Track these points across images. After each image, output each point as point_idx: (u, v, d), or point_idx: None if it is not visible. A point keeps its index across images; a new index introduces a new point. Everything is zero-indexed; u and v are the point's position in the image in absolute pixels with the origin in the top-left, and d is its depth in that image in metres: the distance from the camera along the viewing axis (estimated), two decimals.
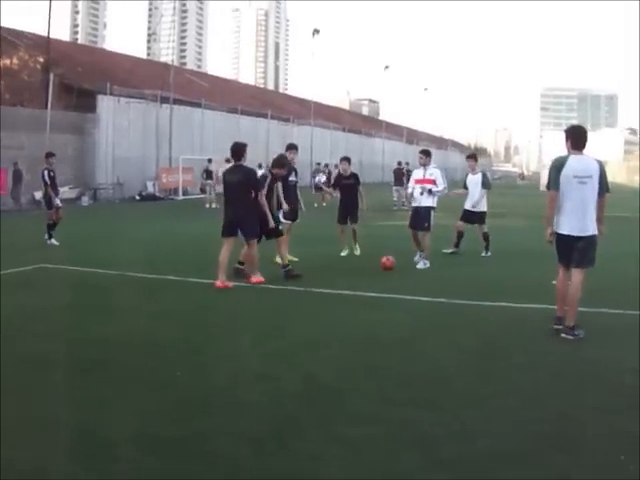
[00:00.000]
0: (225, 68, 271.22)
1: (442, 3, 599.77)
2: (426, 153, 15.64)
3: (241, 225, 12.52)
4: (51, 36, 43.08)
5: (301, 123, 66.09)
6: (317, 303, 11.12)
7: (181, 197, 43.26)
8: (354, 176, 16.69)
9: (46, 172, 18.32)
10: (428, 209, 14.87)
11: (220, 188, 36.21)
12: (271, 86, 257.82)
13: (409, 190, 15.62)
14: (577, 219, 8.73)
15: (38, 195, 28.77)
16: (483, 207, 16.72)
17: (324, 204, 33.17)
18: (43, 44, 41.01)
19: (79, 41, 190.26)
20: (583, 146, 8.98)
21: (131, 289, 12.13)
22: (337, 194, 17.42)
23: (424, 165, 15.19)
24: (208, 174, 36.19)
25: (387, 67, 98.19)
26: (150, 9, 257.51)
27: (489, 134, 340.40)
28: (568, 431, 5.78)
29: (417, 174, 15.37)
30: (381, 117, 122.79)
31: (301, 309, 10.62)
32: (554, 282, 9.89)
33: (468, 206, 16.76)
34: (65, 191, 35.41)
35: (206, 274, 12.97)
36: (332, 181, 14.20)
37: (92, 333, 8.80)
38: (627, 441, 5.48)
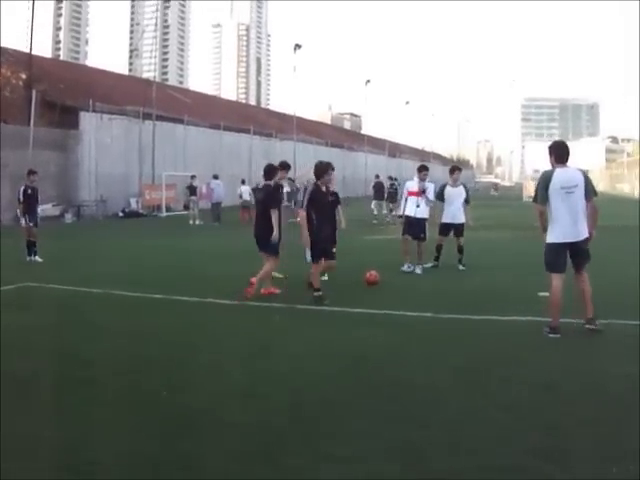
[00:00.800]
0: (207, 84, 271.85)
1: (422, 17, 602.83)
2: (427, 169, 16.81)
3: (261, 241, 13.05)
4: (33, 52, 43.13)
5: (284, 138, 66.15)
6: (302, 320, 11.03)
7: (164, 214, 43.16)
8: (335, 194, 15.59)
9: (22, 189, 18.23)
10: (423, 220, 16.07)
11: (202, 204, 36.41)
12: (253, 101, 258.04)
13: (402, 202, 16.49)
14: (570, 226, 9.34)
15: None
16: (462, 219, 16.77)
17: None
18: (25, 60, 41.04)
19: (61, 57, 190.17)
20: (567, 159, 9.66)
21: (115, 307, 12.04)
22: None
23: (423, 180, 16.24)
24: (192, 190, 36.09)
25: (368, 81, 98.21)
26: (132, 25, 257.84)
27: (471, 146, 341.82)
28: (558, 444, 5.75)
29: (412, 187, 16.30)
30: (363, 131, 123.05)
31: (287, 326, 10.54)
32: (541, 294, 9.88)
33: (450, 220, 16.75)
34: (48, 208, 35.33)
35: (190, 292, 12.96)
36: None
37: (76, 352, 8.73)
38: (618, 453, 5.47)
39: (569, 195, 9.33)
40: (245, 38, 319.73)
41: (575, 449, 5.62)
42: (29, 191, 18.29)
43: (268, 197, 12.98)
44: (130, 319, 10.98)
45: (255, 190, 14.23)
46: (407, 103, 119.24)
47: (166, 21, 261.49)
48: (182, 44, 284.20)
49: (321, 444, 5.73)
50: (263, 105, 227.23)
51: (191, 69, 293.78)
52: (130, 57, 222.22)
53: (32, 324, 10.45)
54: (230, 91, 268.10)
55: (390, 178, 41.34)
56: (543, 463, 5.31)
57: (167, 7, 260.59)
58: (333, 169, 13.22)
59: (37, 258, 17.85)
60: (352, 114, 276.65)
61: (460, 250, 16.68)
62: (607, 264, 14.75)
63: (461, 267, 16.49)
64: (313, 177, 12.90)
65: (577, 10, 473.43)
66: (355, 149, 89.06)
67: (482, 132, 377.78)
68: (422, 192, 16.01)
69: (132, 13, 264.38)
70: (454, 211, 16.75)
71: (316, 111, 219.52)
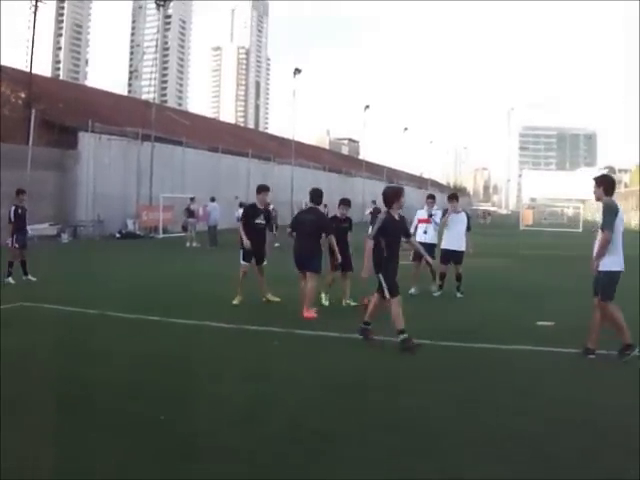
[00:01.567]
0: (206, 106, 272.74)
1: (422, 43, 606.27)
2: (434, 197, 17.99)
3: (306, 260, 13.62)
4: (33, 72, 43.21)
5: (282, 162, 66.22)
6: (301, 345, 10.97)
7: (161, 235, 43.07)
8: (348, 220, 15.44)
9: (13, 209, 18.12)
10: (432, 246, 16.64)
11: (200, 226, 36.34)
12: (251, 125, 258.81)
13: (412, 229, 16.39)
14: (621, 256, 9.75)
15: None
16: (462, 247, 16.75)
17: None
18: (25, 80, 41.08)
19: (61, 77, 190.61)
20: (614, 192, 10.02)
21: (112, 329, 11.95)
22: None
23: (430, 207, 17.33)
24: (190, 212, 36.04)
25: (367, 107, 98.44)
26: (132, 46, 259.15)
27: (468, 173, 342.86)
28: (559, 475, 5.70)
29: (421, 215, 17.36)
30: (361, 156, 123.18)
31: (285, 351, 10.48)
32: (539, 323, 9.80)
33: (450, 246, 16.72)
34: (45, 228, 35.28)
35: (188, 314, 12.90)
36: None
37: (73, 374, 8.64)
38: None
39: (621, 225, 9.74)
40: (245, 61, 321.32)
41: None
42: (19, 211, 18.14)
43: (324, 221, 14.14)
44: (126, 341, 10.89)
45: (302, 212, 15.23)
46: (405, 129, 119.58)
47: (166, 43, 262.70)
48: (182, 66, 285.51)
49: (320, 471, 5.67)
50: (262, 129, 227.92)
51: (190, 91, 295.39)
52: (130, 78, 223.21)
53: (28, 345, 10.37)
54: (229, 114, 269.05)
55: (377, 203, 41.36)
56: None
57: (167, 29, 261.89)
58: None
59: (29, 277, 17.77)
60: (350, 139, 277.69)
61: (458, 278, 16.64)
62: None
63: (459, 294, 16.45)
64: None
65: (577, 40, 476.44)
66: (353, 174, 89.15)
67: (479, 160, 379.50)
68: (429, 217, 17.01)
69: (132, 35, 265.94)
70: (453, 238, 16.72)
71: (314, 136, 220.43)
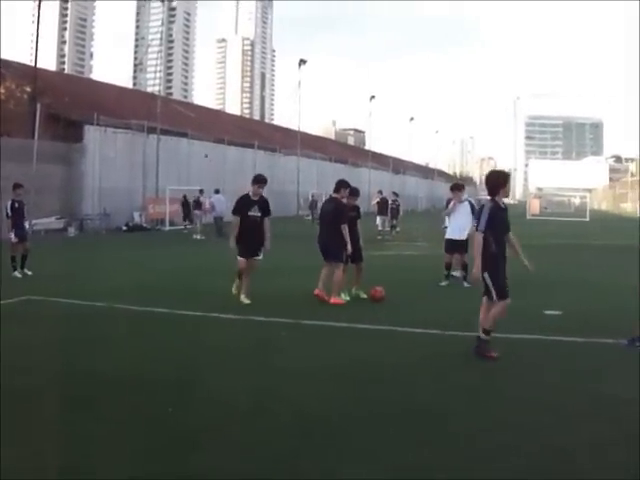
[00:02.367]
0: (211, 98, 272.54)
1: (427, 33, 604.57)
2: (460, 188, 17.97)
3: (327, 249, 13.89)
4: (38, 66, 43.17)
5: (287, 153, 66.15)
6: (308, 336, 10.94)
7: (168, 228, 43.08)
8: (357, 208, 15.28)
9: (9, 203, 18.12)
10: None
11: (206, 219, 36.39)
12: (257, 116, 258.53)
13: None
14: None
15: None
16: (465, 236, 16.61)
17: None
18: (30, 74, 41.06)
19: (66, 71, 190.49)
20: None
21: (119, 322, 11.94)
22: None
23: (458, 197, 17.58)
24: (197, 204, 36.02)
25: (373, 97, 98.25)
26: (136, 39, 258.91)
27: (474, 163, 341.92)
28: (566, 466, 5.67)
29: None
30: (367, 147, 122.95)
31: (292, 342, 10.45)
32: (547, 312, 9.76)
33: (453, 235, 16.67)
34: (51, 221, 35.33)
35: (195, 306, 12.89)
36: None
37: (80, 368, 8.63)
38: (624, 475, 5.38)
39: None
40: (250, 53, 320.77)
41: (584, 472, 5.54)
42: (16, 205, 18.16)
43: (338, 211, 13.93)
44: (133, 334, 10.88)
45: (324, 202, 15.39)
46: (411, 119, 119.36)
47: (171, 35, 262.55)
48: (187, 59, 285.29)
49: (328, 464, 5.65)
50: (267, 120, 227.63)
51: (195, 84, 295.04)
52: (135, 71, 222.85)
53: (34, 338, 10.37)
54: (234, 106, 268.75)
55: (394, 194, 41.30)
56: None
57: (172, 22, 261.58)
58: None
59: (26, 271, 17.78)
60: (356, 130, 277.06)
61: (464, 267, 16.57)
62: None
63: (466, 284, 16.37)
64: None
65: (583, 29, 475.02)
66: (359, 165, 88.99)
67: (486, 149, 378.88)
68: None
69: (137, 27, 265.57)
70: (456, 227, 16.64)
71: (320, 126, 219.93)
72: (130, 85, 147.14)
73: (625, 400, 7.31)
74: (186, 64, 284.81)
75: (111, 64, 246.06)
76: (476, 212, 9.80)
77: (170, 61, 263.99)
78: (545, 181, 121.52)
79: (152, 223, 43.53)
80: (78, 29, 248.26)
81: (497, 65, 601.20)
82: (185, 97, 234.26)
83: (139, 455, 5.82)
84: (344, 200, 14.32)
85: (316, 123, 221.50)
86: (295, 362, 9.13)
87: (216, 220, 35.60)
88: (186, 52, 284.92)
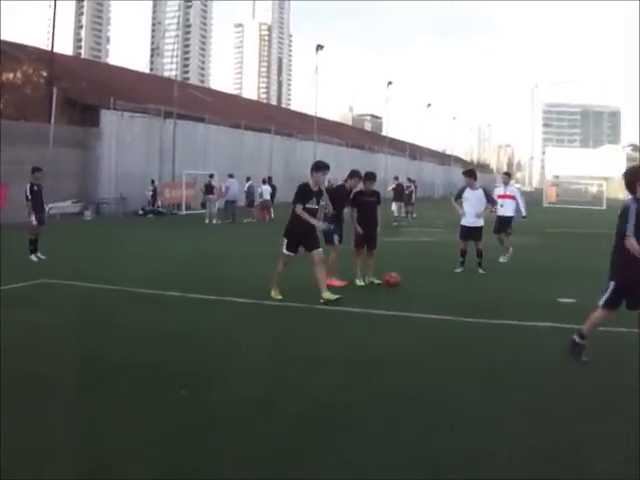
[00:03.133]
0: (228, 83, 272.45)
1: (444, 19, 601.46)
2: (508, 175, 21.84)
3: (325, 234, 13.76)
4: (55, 50, 43.24)
5: (304, 138, 66.02)
6: (320, 321, 10.96)
7: (184, 212, 43.14)
8: (376, 194, 14.80)
9: (28, 186, 18.16)
10: (509, 217, 19.50)
11: (220, 203, 36.32)
12: (274, 101, 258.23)
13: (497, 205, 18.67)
14: None
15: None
16: (481, 222, 16.57)
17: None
18: (46, 58, 41.14)
19: (82, 55, 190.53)
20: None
21: (134, 305, 12.02)
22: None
23: (506, 184, 20.14)
24: (208, 189, 35.99)
25: (390, 83, 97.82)
26: (153, 24, 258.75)
27: (492, 150, 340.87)
28: (578, 455, 5.66)
29: (499, 191, 19.72)
30: (384, 133, 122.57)
31: (304, 327, 10.47)
32: (560, 300, 9.71)
33: (467, 223, 16.59)
34: (68, 205, 35.42)
35: (209, 290, 12.94)
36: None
37: (94, 351, 8.66)
38: (635, 465, 5.37)
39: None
40: (267, 38, 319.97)
41: (596, 461, 5.53)
42: (35, 188, 18.21)
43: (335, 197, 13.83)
44: (147, 317, 10.92)
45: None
46: (429, 106, 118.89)
47: (188, 20, 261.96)
48: (204, 43, 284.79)
49: (339, 450, 5.65)
50: (284, 105, 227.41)
51: (212, 68, 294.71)
52: (151, 56, 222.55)
53: (49, 321, 10.42)
54: (251, 91, 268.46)
55: (409, 180, 41.19)
56: (563, 474, 5.22)
57: (189, 6, 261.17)
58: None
59: (39, 255, 17.79)
60: (373, 115, 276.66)
61: (479, 254, 16.53)
62: None
63: (481, 271, 16.36)
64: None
65: (601, 18, 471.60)
66: (375, 150, 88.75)
67: (503, 137, 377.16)
68: (507, 195, 19.57)
69: (154, 12, 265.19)
70: (470, 214, 16.51)
71: (337, 112, 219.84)
72: (147, 70, 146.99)
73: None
74: (203, 49, 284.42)
75: (128, 49, 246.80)
76: (621, 214, 8.42)
77: (187, 46, 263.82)
78: (562, 169, 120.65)
79: (168, 207, 43.32)
80: (95, 13, 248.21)
81: (515, 52, 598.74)
82: (202, 82, 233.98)
83: (153, 437, 5.85)
84: (353, 189, 14.53)
85: (333, 109, 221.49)
86: (307, 347, 9.15)
87: (228, 204, 35.65)
88: (203, 37, 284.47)
